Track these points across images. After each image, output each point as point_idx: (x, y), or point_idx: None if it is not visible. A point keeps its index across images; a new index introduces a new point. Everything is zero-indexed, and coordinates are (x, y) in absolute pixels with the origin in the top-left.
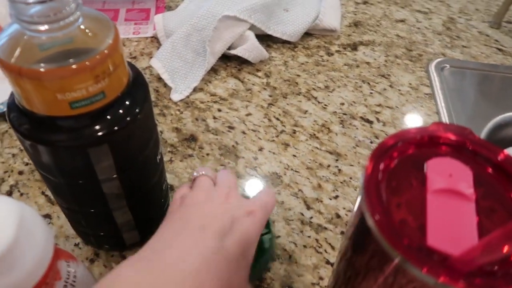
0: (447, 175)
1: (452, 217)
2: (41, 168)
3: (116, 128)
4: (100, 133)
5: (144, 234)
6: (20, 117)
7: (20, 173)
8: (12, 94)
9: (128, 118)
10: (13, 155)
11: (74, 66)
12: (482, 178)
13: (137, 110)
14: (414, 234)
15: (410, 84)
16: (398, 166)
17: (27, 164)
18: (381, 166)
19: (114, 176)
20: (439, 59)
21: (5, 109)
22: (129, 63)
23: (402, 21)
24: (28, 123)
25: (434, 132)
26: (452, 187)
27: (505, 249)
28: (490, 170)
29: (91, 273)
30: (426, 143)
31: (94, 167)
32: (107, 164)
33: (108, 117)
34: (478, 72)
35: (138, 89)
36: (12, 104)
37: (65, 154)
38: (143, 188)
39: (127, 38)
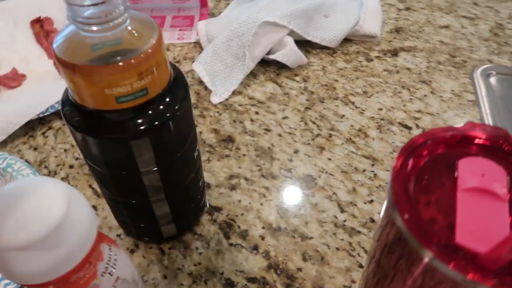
0: (479, 175)
1: (483, 217)
2: (89, 159)
3: (156, 122)
4: (142, 127)
5: (181, 228)
6: (72, 111)
7: (71, 166)
8: (66, 90)
9: (168, 114)
10: (65, 150)
11: (120, 64)
12: None
13: (176, 107)
14: (442, 233)
15: (453, 90)
16: (428, 164)
17: (77, 159)
18: (410, 163)
19: (154, 168)
20: (485, 66)
21: (59, 107)
22: (171, 64)
23: (446, 27)
24: (79, 116)
25: (467, 131)
26: (485, 186)
27: None
28: None
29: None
30: (459, 142)
31: (136, 159)
32: (148, 157)
33: (150, 112)
34: None
35: (178, 87)
36: (65, 99)
37: (110, 146)
38: (181, 183)
39: (172, 43)
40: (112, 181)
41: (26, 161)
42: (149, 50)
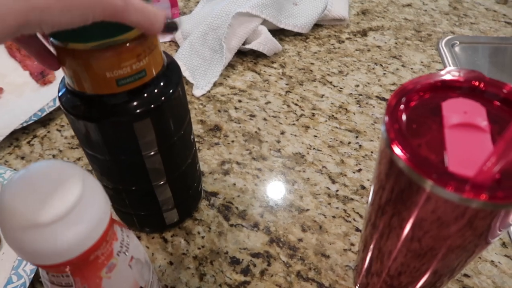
0: (462, 112)
1: (470, 147)
2: (90, 147)
3: (158, 103)
4: (143, 108)
5: (183, 214)
6: (71, 99)
7: None
8: (62, 82)
9: (166, 96)
10: (53, 156)
11: (120, 45)
12: (493, 112)
13: (173, 89)
14: (437, 166)
15: (422, 62)
16: (415, 111)
17: None
18: (401, 108)
19: (156, 150)
20: (448, 37)
21: (42, 114)
22: (163, 51)
23: (409, 5)
24: (79, 104)
25: (446, 76)
26: (468, 121)
27: None
28: (498, 103)
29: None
30: (440, 88)
31: (138, 142)
32: (150, 139)
33: (148, 94)
34: (489, 46)
35: (173, 71)
36: (63, 90)
37: (113, 130)
38: (181, 166)
39: None
40: (115, 167)
41: (15, 169)
42: None
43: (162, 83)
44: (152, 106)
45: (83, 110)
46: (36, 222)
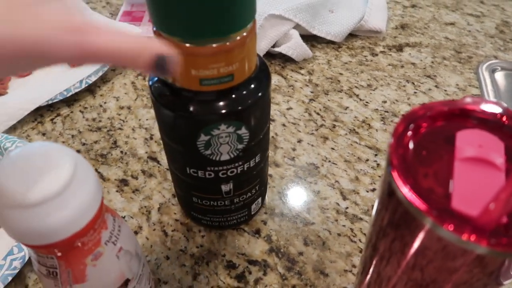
0: (477, 146)
1: (479, 185)
2: (167, 136)
3: (244, 106)
4: (227, 110)
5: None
6: (160, 88)
7: (77, 152)
8: None
9: (253, 99)
10: (72, 136)
11: (213, 45)
12: None
13: (262, 93)
14: (440, 200)
15: (458, 85)
16: (426, 137)
17: (84, 144)
18: (409, 136)
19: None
20: (490, 61)
21: (68, 94)
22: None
23: (452, 24)
24: (167, 94)
25: (465, 104)
26: (482, 156)
27: None
28: None
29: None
30: (457, 116)
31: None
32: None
33: (237, 95)
34: None
35: (263, 73)
36: (156, 78)
37: (190, 125)
38: (252, 171)
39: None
40: (188, 160)
41: None
42: (244, 34)
43: (251, 86)
44: (239, 108)
45: (168, 100)
46: (24, 202)
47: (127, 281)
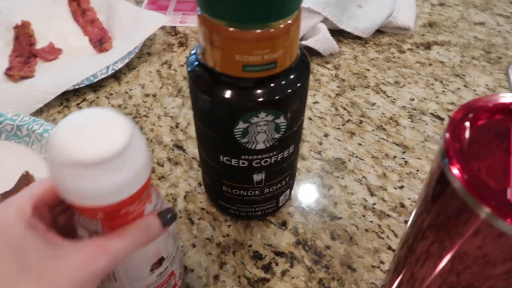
0: None
1: None
2: (201, 121)
3: (282, 96)
4: (266, 98)
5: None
6: (200, 72)
7: None
8: (194, 55)
9: (293, 89)
10: None
11: (258, 31)
12: None
13: (301, 83)
14: (497, 193)
15: (487, 85)
16: (480, 130)
17: None
18: (464, 128)
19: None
20: None
21: (94, 80)
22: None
23: (481, 23)
24: (206, 78)
25: None
26: None
27: None
28: None
29: None
30: (506, 111)
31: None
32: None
33: (276, 84)
34: None
35: (303, 64)
36: (195, 62)
37: (227, 111)
38: (285, 161)
39: (173, 26)
40: (221, 146)
41: None
42: (289, 22)
43: (292, 76)
44: (280, 96)
45: (208, 86)
46: (79, 160)
47: (161, 259)
